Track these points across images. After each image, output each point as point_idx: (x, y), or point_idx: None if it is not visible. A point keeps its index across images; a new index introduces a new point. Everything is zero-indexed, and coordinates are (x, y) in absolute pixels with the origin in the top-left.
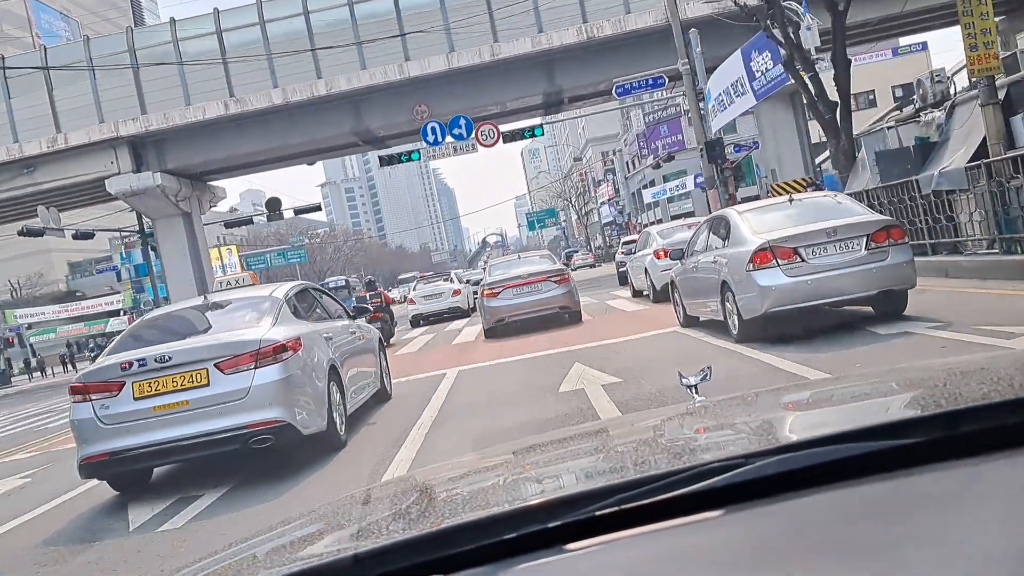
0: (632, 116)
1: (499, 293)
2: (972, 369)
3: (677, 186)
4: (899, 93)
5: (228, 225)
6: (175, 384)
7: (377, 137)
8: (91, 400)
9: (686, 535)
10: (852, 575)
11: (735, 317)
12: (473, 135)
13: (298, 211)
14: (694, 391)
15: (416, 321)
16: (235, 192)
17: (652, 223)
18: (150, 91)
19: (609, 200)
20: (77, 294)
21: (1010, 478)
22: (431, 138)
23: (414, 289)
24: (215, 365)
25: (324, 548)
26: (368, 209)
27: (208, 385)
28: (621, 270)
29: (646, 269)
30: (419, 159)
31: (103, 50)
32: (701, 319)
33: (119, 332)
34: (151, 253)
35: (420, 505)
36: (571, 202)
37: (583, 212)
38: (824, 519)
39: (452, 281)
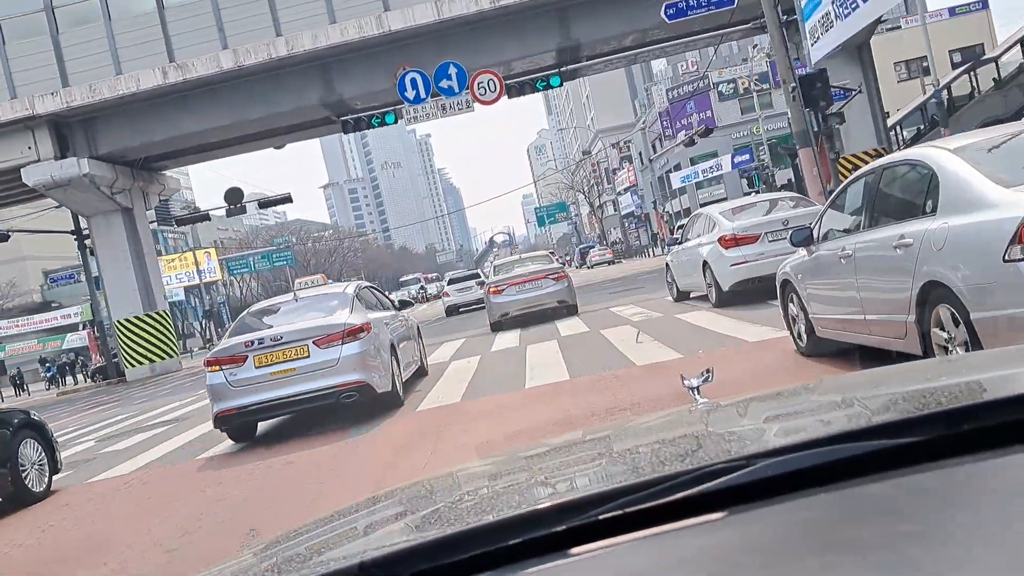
0: (653, 93)
1: (503, 290)
2: (974, 366)
3: (712, 167)
4: (957, 59)
5: (180, 223)
6: (285, 356)
7: (352, 109)
8: (222, 369)
9: (690, 537)
10: (854, 571)
11: None
12: (468, 88)
13: (263, 203)
14: (696, 393)
15: (451, 310)
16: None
17: (687, 209)
18: (72, 58)
19: (630, 187)
20: (53, 305)
21: (1013, 475)
22: (411, 93)
23: (448, 284)
24: (313, 342)
25: (330, 556)
26: (372, 210)
27: (309, 357)
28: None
29: (705, 263)
30: (395, 122)
31: (12, 9)
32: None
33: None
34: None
35: (425, 511)
36: (584, 193)
37: (597, 205)
38: (827, 519)
39: (480, 279)
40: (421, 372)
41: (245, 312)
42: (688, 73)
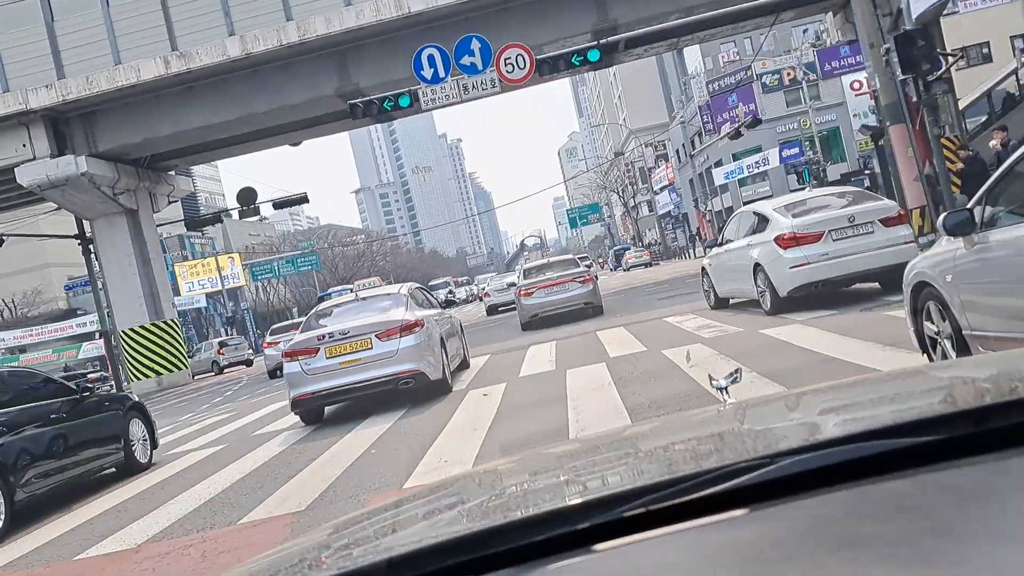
0: (692, 86)
1: (533, 293)
2: (996, 364)
3: (758, 162)
4: (1020, 44)
5: (190, 226)
6: (351, 348)
7: (372, 101)
8: (298, 359)
9: (712, 534)
10: (877, 570)
11: None
12: (493, 65)
13: (278, 204)
14: (725, 393)
15: (492, 309)
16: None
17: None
18: (68, 48)
19: (669, 185)
20: (79, 312)
21: None
22: (428, 72)
23: (488, 285)
24: (375, 336)
25: (358, 552)
26: (404, 214)
27: (372, 348)
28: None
29: (757, 266)
30: (410, 105)
31: None
32: None
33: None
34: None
35: (451, 509)
36: (618, 193)
37: (632, 205)
38: (849, 516)
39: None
40: (464, 364)
41: (313, 311)
42: (730, 63)
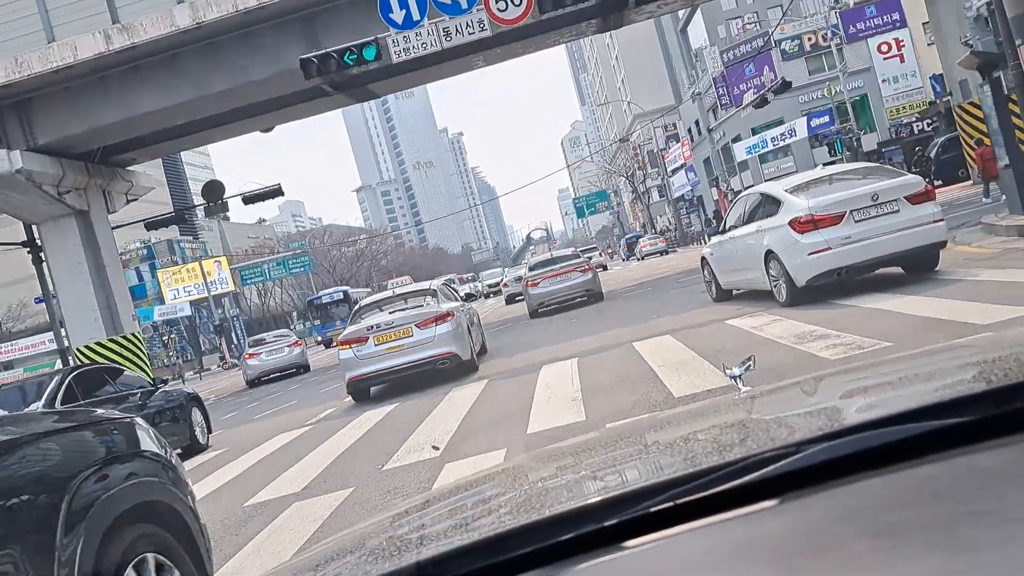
0: (706, 57)
1: (539, 283)
2: (1018, 340)
3: (784, 133)
4: None
5: (148, 227)
6: (396, 336)
7: (330, 55)
8: (351, 347)
9: (742, 527)
10: (911, 558)
11: None
12: (480, 2)
13: (248, 199)
14: (739, 381)
15: (510, 299)
16: (273, 204)
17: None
18: None
19: (685, 164)
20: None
21: None
22: (398, 15)
23: (506, 276)
24: (415, 325)
25: (387, 556)
26: (407, 211)
27: (412, 336)
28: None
29: (769, 253)
30: (376, 57)
31: None
32: None
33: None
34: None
35: (477, 509)
36: (629, 178)
37: (643, 191)
38: (879, 503)
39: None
40: (483, 350)
41: (358, 306)
42: (746, 27)
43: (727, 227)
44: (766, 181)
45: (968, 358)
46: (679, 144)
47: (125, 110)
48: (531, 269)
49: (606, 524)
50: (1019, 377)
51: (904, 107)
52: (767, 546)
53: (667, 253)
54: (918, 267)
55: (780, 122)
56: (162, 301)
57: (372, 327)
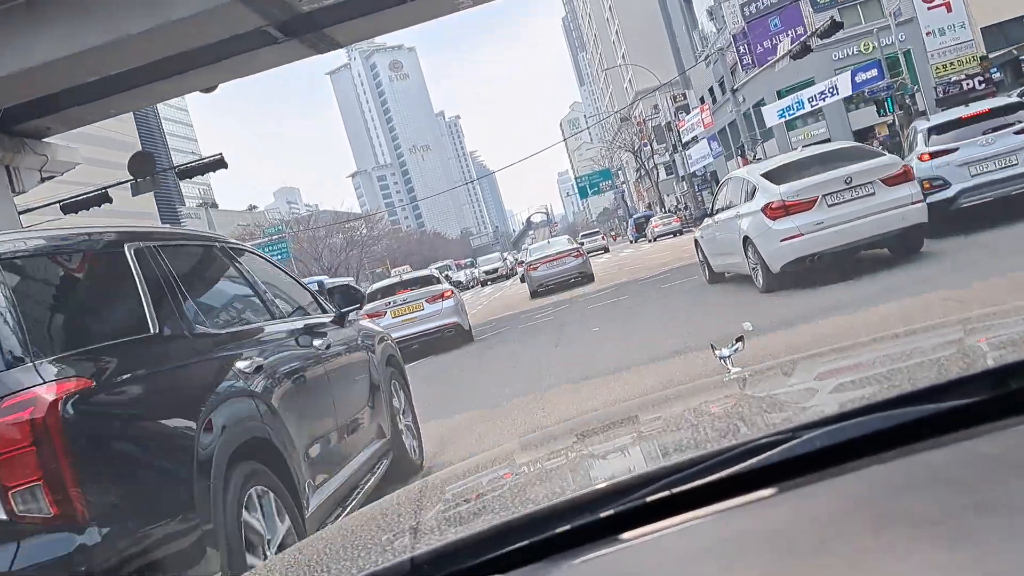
0: (725, 11)
1: (538, 267)
2: (1015, 318)
3: (823, 92)
4: None
5: (65, 209)
6: (409, 309)
7: (299, 12)
8: (372, 320)
9: (742, 517)
10: (914, 545)
11: None
12: None
13: (184, 174)
14: (728, 363)
15: (524, 279)
16: (268, 191)
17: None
18: None
19: (706, 131)
20: None
21: None
22: None
23: (507, 260)
24: (426, 300)
25: (381, 552)
26: (404, 197)
27: (423, 310)
28: None
29: (746, 239)
30: None
31: None
32: None
33: None
34: None
35: (471, 502)
36: (635, 153)
37: (651, 166)
38: (881, 491)
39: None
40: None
41: (372, 287)
42: None
43: (715, 210)
44: (799, 148)
45: (963, 338)
46: (697, 110)
47: (20, 58)
48: (530, 255)
49: (601, 515)
50: (1015, 356)
51: (952, 63)
52: (770, 537)
53: (681, 233)
54: (903, 249)
55: (811, 83)
56: None
57: (389, 302)
